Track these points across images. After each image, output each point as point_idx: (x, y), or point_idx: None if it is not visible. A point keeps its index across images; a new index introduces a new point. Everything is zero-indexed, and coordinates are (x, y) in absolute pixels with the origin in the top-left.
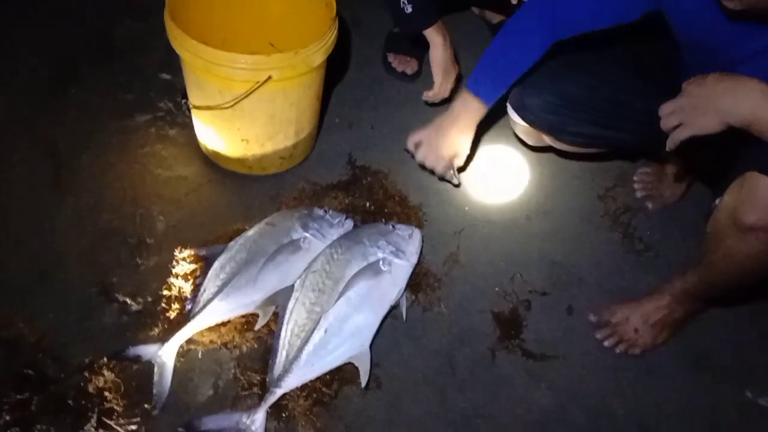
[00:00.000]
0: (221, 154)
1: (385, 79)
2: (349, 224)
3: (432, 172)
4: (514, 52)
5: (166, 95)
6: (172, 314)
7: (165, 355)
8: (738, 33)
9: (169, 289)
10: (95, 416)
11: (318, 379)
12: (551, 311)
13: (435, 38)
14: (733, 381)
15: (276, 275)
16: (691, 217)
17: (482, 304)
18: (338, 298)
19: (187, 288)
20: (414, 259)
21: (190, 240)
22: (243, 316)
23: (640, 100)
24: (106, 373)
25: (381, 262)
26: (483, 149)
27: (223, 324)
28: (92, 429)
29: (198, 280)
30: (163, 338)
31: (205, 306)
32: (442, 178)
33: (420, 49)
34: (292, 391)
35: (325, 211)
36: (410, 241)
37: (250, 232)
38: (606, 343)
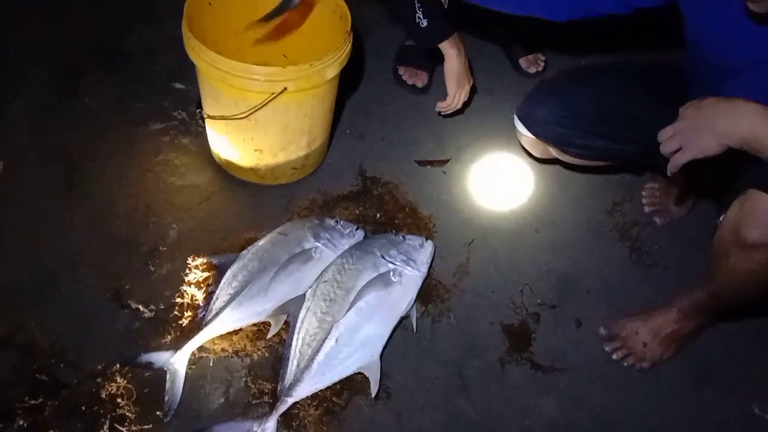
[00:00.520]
0: (234, 164)
1: (395, 91)
2: (360, 234)
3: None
4: None
5: (180, 104)
6: (185, 322)
7: (177, 362)
8: (756, 35)
9: (182, 296)
10: (107, 422)
11: (328, 388)
12: (560, 324)
13: (449, 50)
14: (741, 395)
15: (288, 284)
16: (698, 232)
17: (492, 315)
18: (349, 308)
19: (199, 296)
20: (424, 270)
21: (203, 248)
22: (254, 325)
23: (646, 114)
24: (118, 379)
25: (392, 273)
26: (492, 161)
27: (235, 332)
28: None
29: (210, 288)
30: (175, 346)
31: (217, 314)
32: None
33: (430, 62)
34: (302, 400)
35: (336, 221)
36: (421, 251)
37: (262, 242)
38: (614, 356)
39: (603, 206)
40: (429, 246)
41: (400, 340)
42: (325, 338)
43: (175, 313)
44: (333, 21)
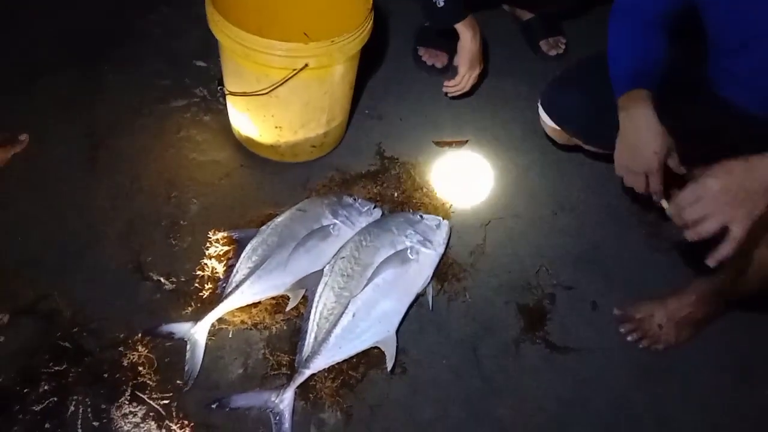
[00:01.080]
0: (255, 141)
1: (414, 72)
2: (377, 213)
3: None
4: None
5: (201, 82)
6: (205, 294)
7: (197, 333)
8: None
9: (203, 269)
10: (129, 390)
11: (345, 361)
12: (576, 305)
13: (464, 32)
14: (757, 381)
15: (306, 259)
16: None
17: (507, 295)
18: (366, 284)
19: (219, 269)
20: (441, 249)
21: (223, 223)
22: (273, 298)
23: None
24: (140, 348)
25: (409, 251)
26: (510, 143)
27: (254, 305)
28: (126, 402)
29: (230, 261)
30: (195, 317)
31: (237, 287)
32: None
33: (450, 43)
34: (319, 372)
35: (355, 199)
36: (438, 231)
37: (282, 218)
38: (629, 338)
39: (622, 190)
40: (446, 225)
41: (416, 318)
42: (343, 313)
43: (196, 285)
44: None
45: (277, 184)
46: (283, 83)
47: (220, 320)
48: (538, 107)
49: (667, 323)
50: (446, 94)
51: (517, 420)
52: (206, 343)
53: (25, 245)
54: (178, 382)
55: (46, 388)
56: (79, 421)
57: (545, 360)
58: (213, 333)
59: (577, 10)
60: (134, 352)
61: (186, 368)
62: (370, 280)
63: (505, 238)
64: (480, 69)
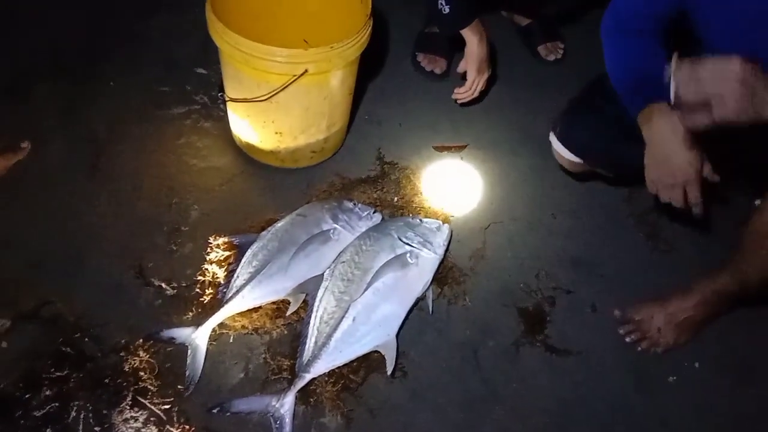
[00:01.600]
0: (255, 147)
1: (413, 77)
2: (377, 217)
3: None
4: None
5: (202, 89)
6: (206, 299)
7: (198, 338)
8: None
9: (203, 274)
10: (130, 395)
11: (345, 366)
12: (575, 308)
13: (471, 37)
14: (756, 382)
15: (306, 264)
16: (715, 220)
17: (507, 299)
18: (366, 288)
19: (220, 274)
20: (441, 253)
21: (224, 228)
22: (274, 303)
23: None
24: (141, 353)
25: (408, 255)
26: (509, 148)
27: (255, 310)
28: (127, 407)
29: (231, 266)
30: (196, 322)
31: (237, 292)
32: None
33: (449, 49)
34: (320, 377)
35: (354, 204)
36: (437, 234)
37: (282, 223)
38: (628, 339)
39: (620, 193)
40: (445, 229)
41: (417, 321)
42: (343, 317)
43: (197, 290)
44: (354, 5)
45: (277, 190)
46: (283, 89)
47: (221, 325)
48: (550, 137)
49: (666, 326)
50: (456, 101)
51: (517, 423)
52: (207, 348)
53: (27, 251)
54: (179, 387)
55: (47, 393)
56: (81, 426)
57: (545, 363)
58: (214, 338)
59: (575, 15)
60: (135, 358)
61: (187, 373)
62: (370, 284)
63: (505, 241)
64: (488, 74)
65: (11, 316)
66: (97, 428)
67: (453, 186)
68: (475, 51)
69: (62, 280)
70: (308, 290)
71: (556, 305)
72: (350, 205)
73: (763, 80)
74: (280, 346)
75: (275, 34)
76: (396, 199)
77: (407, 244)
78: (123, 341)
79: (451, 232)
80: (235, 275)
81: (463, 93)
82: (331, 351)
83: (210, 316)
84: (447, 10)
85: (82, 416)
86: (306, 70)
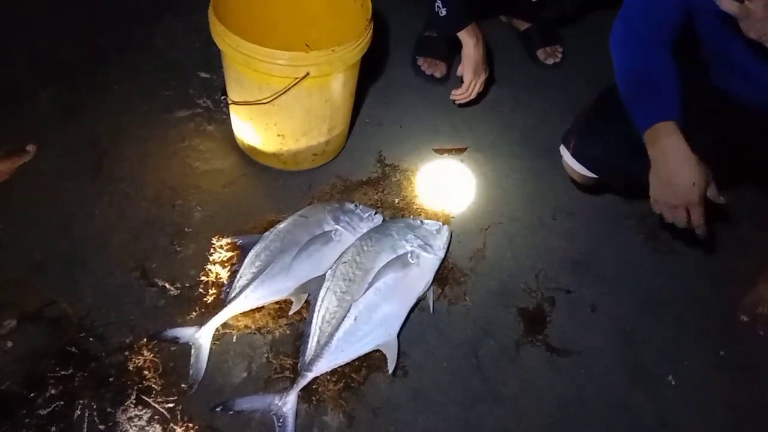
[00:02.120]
0: (257, 149)
1: (414, 81)
2: (378, 218)
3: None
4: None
5: (205, 92)
6: (209, 299)
7: (202, 337)
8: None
9: (207, 275)
10: (134, 393)
11: (347, 365)
12: (575, 309)
13: (468, 39)
14: (756, 382)
15: (308, 264)
16: (715, 221)
17: (507, 299)
18: (368, 288)
19: (223, 274)
20: (441, 254)
21: (226, 230)
22: (276, 303)
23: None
24: (145, 353)
25: (409, 255)
26: (508, 150)
27: (258, 310)
28: (131, 405)
29: (234, 267)
30: (200, 322)
31: (240, 292)
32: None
33: (449, 52)
34: (322, 376)
35: (356, 206)
36: (438, 235)
37: (284, 224)
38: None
39: (620, 195)
40: (446, 231)
41: (418, 321)
42: (345, 316)
43: (200, 290)
44: (354, 9)
45: (279, 192)
46: (285, 92)
47: (224, 325)
48: (561, 150)
49: None
50: (454, 101)
51: (517, 422)
52: (210, 348)
53: (32, 252)
54: (182, 385)
55: (52, 392)
56: (85, 425)
57: (545, 363)
58: (217, 337)
59: (575, 18)
60: (140, 357)
61: (190, 372)
62: (371, 284)
63: (505, 242)
64: (485, 76)
65: (16, 316)
66: (101, 427)
67: (453, 188)
68: (471, 54)
69: (66, 281)
70: (310, 290)
71: (556, 305)
72: (351, 206)
73: None
74: (282, 345)
75: (277, 38)
76: (397, 200)
77: (408, 244)
78: (127, 341)
79: (452, 233)
80: (238, 275)
81: (460, 95)
82: (333, 350)
83: (213, 316)
84: (444, 12)
85: (86, 415)
86: (308, 73)
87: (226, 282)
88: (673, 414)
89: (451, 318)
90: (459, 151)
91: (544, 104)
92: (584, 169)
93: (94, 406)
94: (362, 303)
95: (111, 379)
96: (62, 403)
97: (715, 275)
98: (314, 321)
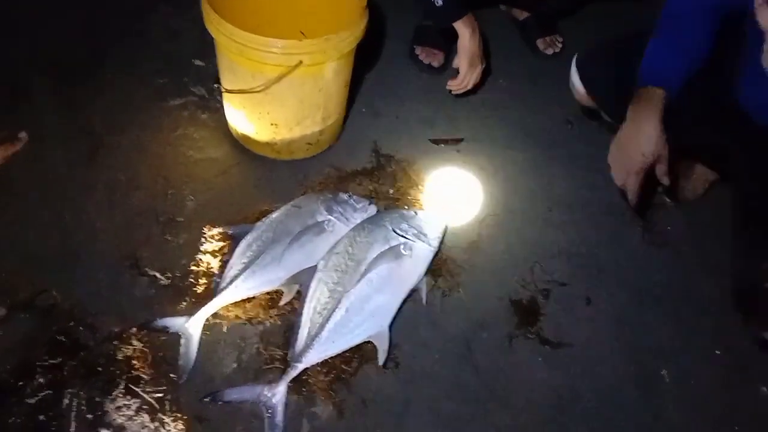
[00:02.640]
0: (251, 138)
1: (411, 70)
2: (372, 209)
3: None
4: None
5: (199, 81)
6: (200, 289)
7: (192, 327)
8: None
9: (198, 265)
10: (123, 383)
11: (338, 356)
12: (569, 301)
13: (463, 30)
14: (750, 375)
15: (300, 255)
16: (710, 214)
17: (501, 291)
18: (360, 279)
19: (214, 264)
20: (435, 245)
21: (219, 219)
22: (267, 293)
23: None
24: (134, 342)
25: (402, 246)
26: (506, 141)
27: (248, 300)
28: (120, 395)
29: (225, 257)
30: (190, 311)
31: (231, 282)
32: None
33: (447, 42)
34: (312, 367)
35: (349, 196)
36: (432, 227)
37: (277, 214)
38: None
39: (617, 187)
40: (440, 222)
41: (410, 313)
42: (336, 307)
43: (191, 280)
44: None
45: (273, 181)
46: (278, 80)
47: (215, 315)
48: (571, 68)
49: None
50: (450, 92)
51: (510, 414)
52: (201, 338)
53: (23, 241)
54: (172, 375)
55: (41, 381)
56: (74, 414)
57: (539, 355)
58: (207, 327)
59: (573, 8)
60: (129, 346)
61: (180, 362)
62: (363, 275)
63: (500, 234)
64: (482, 67)
65: (7, 304)
66: (89, 416)
67: (449, 179)
68: (467, 44)
69: (58, 270)
70: (302, 281)
71: (550, 298)
72: (345, 196)
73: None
74: (273, 336)
75: (272, 26)
76: (391, 191)
77: (401, 235)
78: (117, 330)
79: (447, 224)
80: (229, 265)
81: (456, 85)
82: (323, 341)
83: (203, 306)
84: (440, 2)
85: (75, 404)
86: (300, 62)
87: (217, 272)
88: (668, 408)
89: (444, 310)
90: (455, 141)
91: (543, 95)
92: (581, 86)
93: (83, 395)
94: (354, 294)
95: (100, 369)
96: (51, 391)
97: (711, 268)
98: (305, 312)
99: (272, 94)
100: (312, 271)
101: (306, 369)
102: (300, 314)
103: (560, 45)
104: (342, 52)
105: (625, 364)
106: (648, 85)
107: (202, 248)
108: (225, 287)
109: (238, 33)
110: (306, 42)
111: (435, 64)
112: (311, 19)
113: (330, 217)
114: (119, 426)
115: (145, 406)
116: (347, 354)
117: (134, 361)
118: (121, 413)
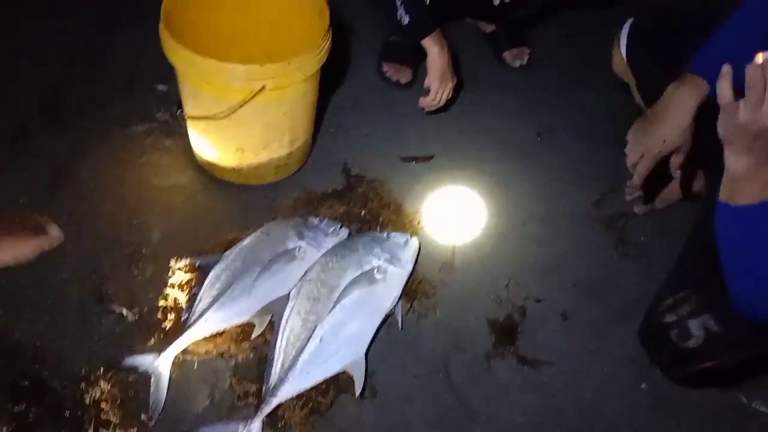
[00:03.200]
0: (217, 165)
1: (379, 88)
2: (344, 233)
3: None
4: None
5: (162, 106)
6: (168, 324)
7: (161, 365)
8: None
9: (165, 299)
10: (92, 427)
11: (313, 388)
12: (546, 317)
13: (432, 47)
14: (730, 387)
15: (271, 284)
16: (683, 223)
17: (477, 310)
18: (333, 307)
19: (182, 298)
20: (409, 267)
21: (186, 249)
22: (239, 326)
23: None
24: (102, 384)
25: (376, 270)
26: (477, 156)
27: (219, 334)
28: None
29: (194, 290)
30: (159, 348)
31: (200, 316)
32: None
33: (415, 57)
34: (288, 400)
35: (320, 220)
36: (405, 248)
37: (246, 242)
38: None
39: (589, 198)
40: (414, 242)
41: (386, 338)
42: (310, 337)
43: (159, 316)
44: (312, 17)
45: (241, 208)
46: (241, 106)
47: (185, 351)
48: (621, 32)
49: None
50: (423, 109)
51: None
52: (171, 375)
53: None
54: (142, 416)
55: (4, 429)
56: None
57: (517, 373)
58: (177, 364)
59: (541, 20)
60: (96, 388)
61: (150, 402)
62: (337, 302)
63: (474, 251)
64: (453, 82)
65: None
66: None
67: (421, 197)
68: (436, 61)
69: (20, 307)
70: (274, 311)
71: (527, 315)
72: (316, 221)
73: None
74: (246, 370)
75: (235, 48)
76: (363, 212)
77: (374, 259)
78: (83, 371)
79: (420, 244)
80: (198, 299)
81: (428, 103)
82: (298, 373)
83: (172, 342)
84: (407, 20)
85: None
86: (264, 87)
87: (185, 306)
88: (647, 421)
89: (420, 333)
90: (426, 159)
91: (513, 107)
92: (624, 53)
93: None
94: (328, 323)
95: (67, 413)
96: None
97: None
98: (278, 344)
99: (237, 120)
100: (284, 300)
101: (281, 403)
102: (273, 346)
103: (527, 57)
104: (306, 75)
105: (603, 379)
106: (697, 74)
107: (169, 281)
108: (194, 322)
109: (198, 60)
110: (268, 66)
111: (403, 80)
112: (275, 40)
113: (301, 243)
114: None
115: None
116: (323, 385)
117: (103, 404)
118: None
